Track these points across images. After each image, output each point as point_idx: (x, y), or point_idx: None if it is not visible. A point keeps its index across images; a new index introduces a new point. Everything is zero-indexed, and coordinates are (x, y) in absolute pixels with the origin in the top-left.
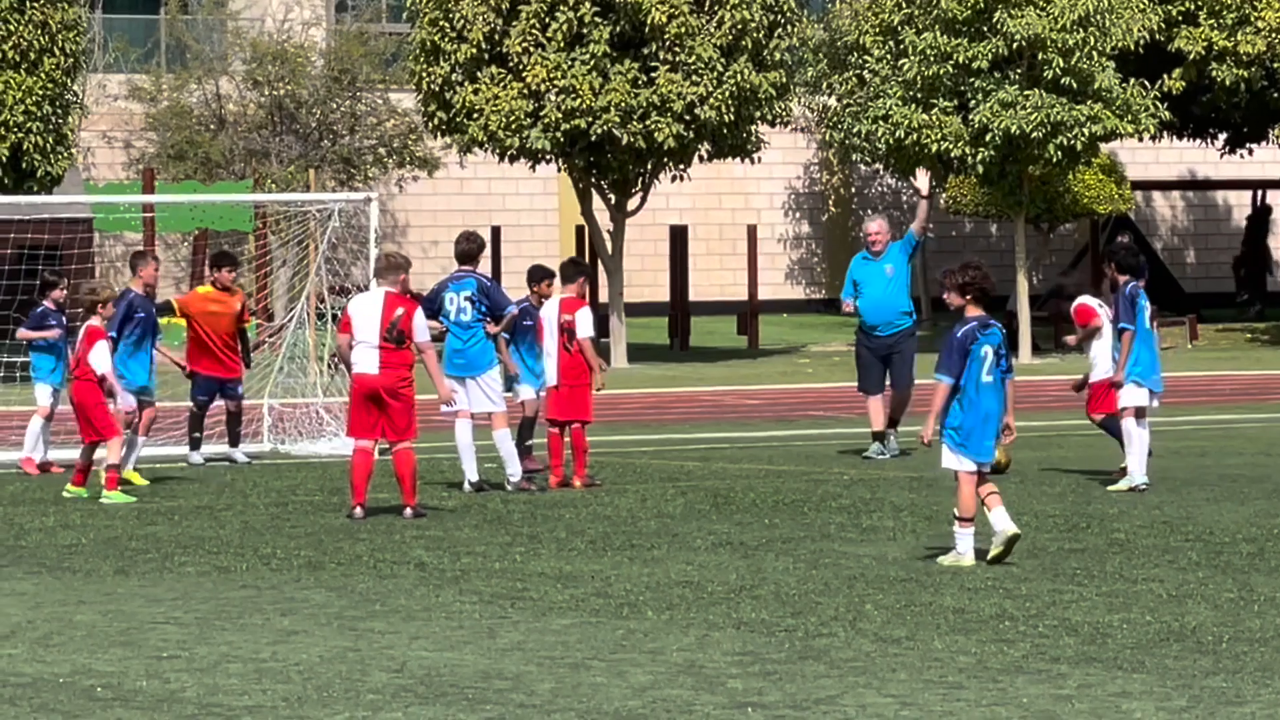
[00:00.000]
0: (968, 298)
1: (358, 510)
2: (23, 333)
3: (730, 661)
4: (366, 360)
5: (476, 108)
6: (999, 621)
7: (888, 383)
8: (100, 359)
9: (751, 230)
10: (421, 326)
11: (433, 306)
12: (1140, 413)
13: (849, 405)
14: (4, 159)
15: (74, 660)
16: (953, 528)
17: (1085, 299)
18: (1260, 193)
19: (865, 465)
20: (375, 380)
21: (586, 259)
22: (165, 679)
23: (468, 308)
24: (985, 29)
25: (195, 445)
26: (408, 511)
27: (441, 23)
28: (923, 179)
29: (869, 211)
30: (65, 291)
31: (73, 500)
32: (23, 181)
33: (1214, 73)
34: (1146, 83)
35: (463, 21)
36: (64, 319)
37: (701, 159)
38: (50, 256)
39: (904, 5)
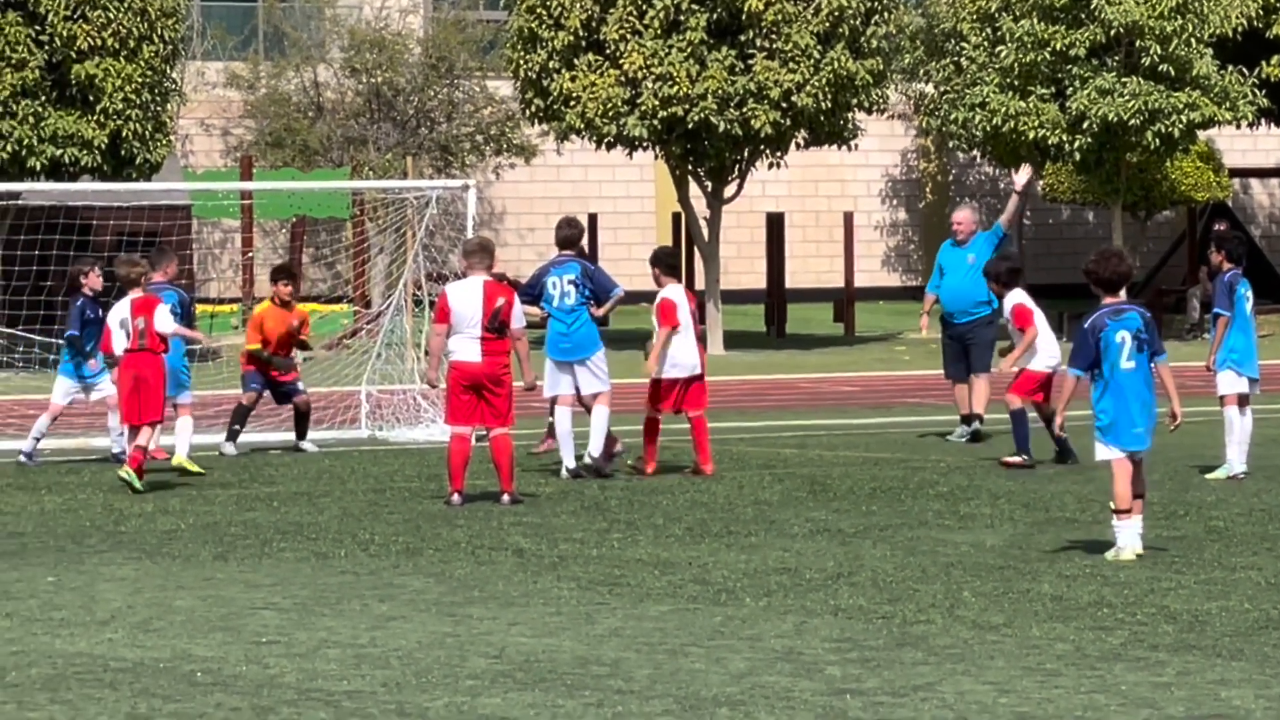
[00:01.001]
0: (1095, 288)
1: (456, 497)
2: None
3: (828, 648)
4: (468, 349)
5: (573, 95)
6: (1097, 609)
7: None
8: (166, 322)
9: (848, 217)
10: (519, 314)
11: (533, 292)
12: (1243, 400)
13: (946, 393)
14: (103, 146)
15: (174, 645)
16: (1112, 522)
17: (1022, 297)
18: None
19: (961, 452)
20: (478, 369)
21: (683, 247)
22: (265, 664)
23: (571, 291)
24: (1083, 16)
25: (232, 436)
26: (505, 498)
27: (539, 10)
28: (1023, 174)
29: (965, 199)
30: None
31: (171, 487)
32: (122, 168)
33: None
34: (1244, 69)
35: (560, 9)
36: None
37: (798, 146)
38: (149, 243)
39: None
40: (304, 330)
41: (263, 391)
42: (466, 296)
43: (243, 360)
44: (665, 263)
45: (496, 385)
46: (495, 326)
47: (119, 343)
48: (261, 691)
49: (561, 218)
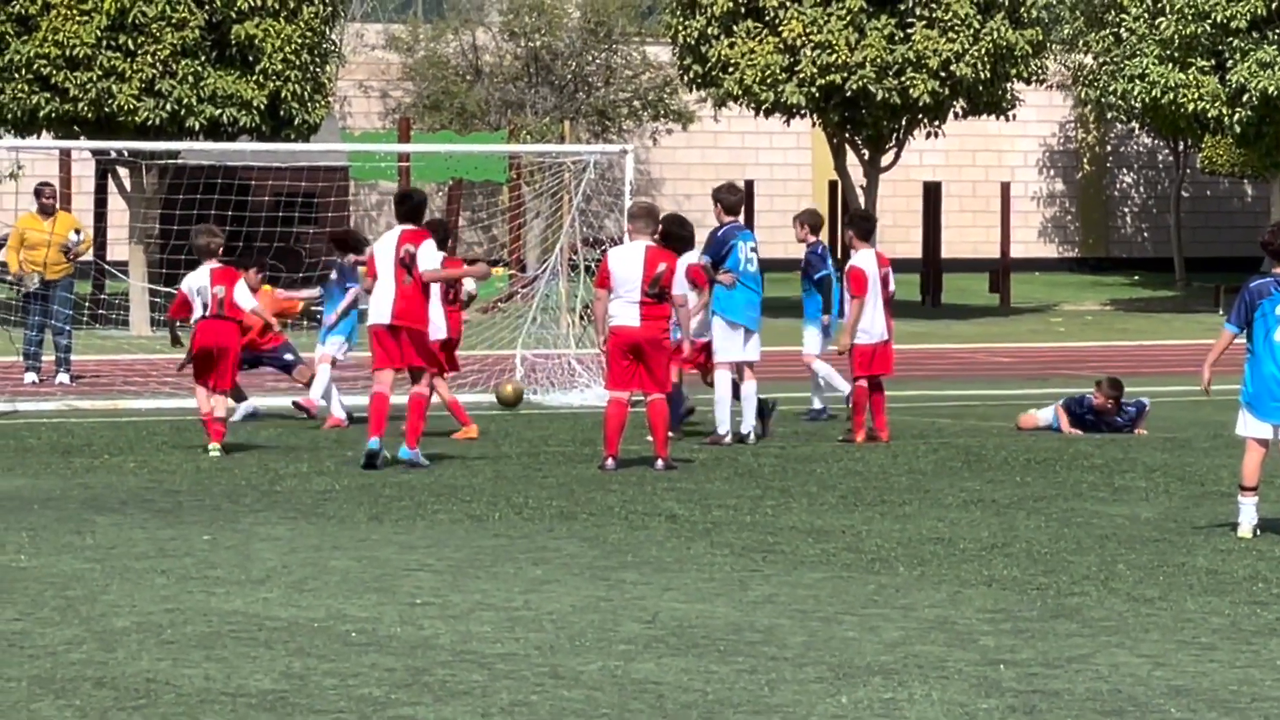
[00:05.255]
0: (1271, 259)
1: (610, 461)
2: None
3: (982, 619)
4: (627, 313)
5: (732, 61)
6: (1252, 583)
7: None
8: (246, 298)
9: (1005, 187)
10: (681, 280)
11: (719, 253)
12: None
13: (1100, 365)
14: (262, 107)
15: (328, 605)
16: (1237, 498)
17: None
18: None
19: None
20: (636, 333)
21: (839, 214)
22: (419, 625)
23: (754, 259)
24: None
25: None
26: (659, 463)
27: None
28: None
29: (1123, 170)
30: None
31: (326, 447)
32: (280, 129)
33: None
34: None
35: None
36: None
37: (956, 116)
38: (307, 204)
39: None
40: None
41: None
42: (628, 261)
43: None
44: (859, 226)
45: (655, 350)
46: (655, 292)
47: (195, 310)
48: (415, 653)
49: (729, 183)
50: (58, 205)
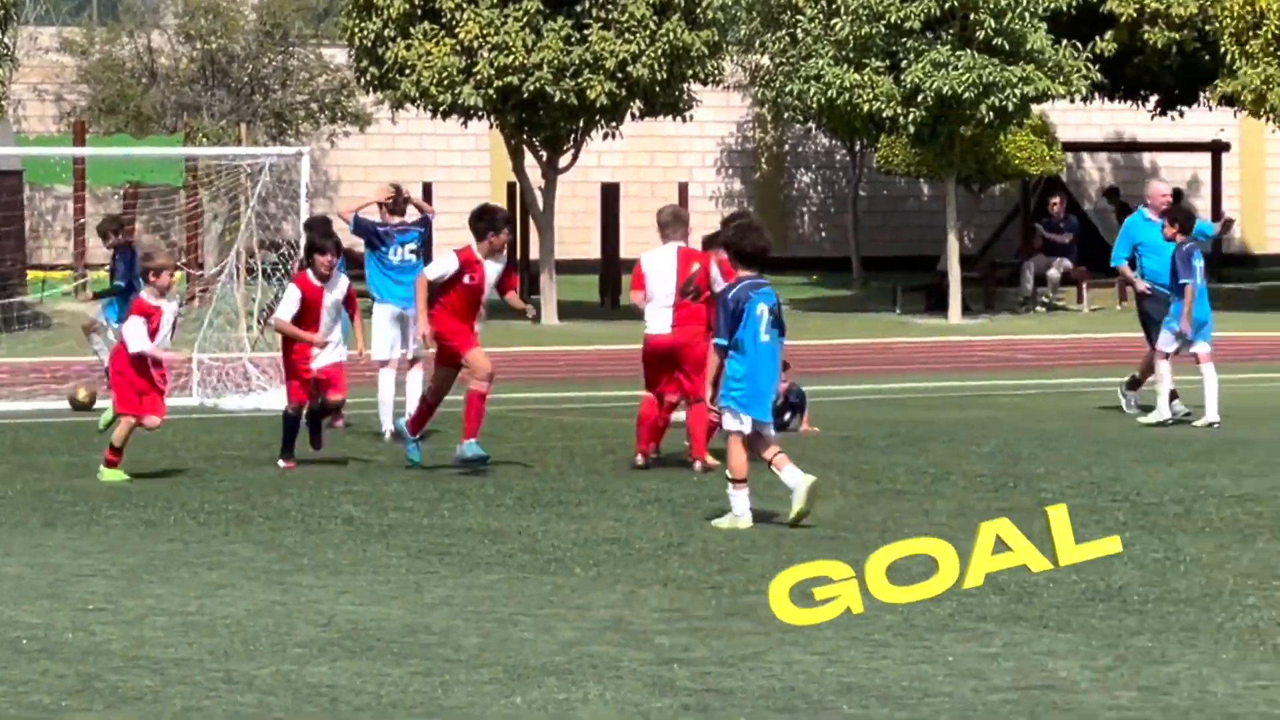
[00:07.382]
0: (734, 260)
1: (640, 458)
2: None
3: (657, 618)
4: (659, 320)
5: (409, 64)
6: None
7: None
8: (133, 339)
9: (683, 188)
10: (719, 278)
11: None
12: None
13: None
14: None
15: None
16: (727, 491)
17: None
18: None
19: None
20: (668, 339)
21: (518, 216)
22: (91, 631)
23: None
24: None
25: None
26: (698, 465)
27: None
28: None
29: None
30: None
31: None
32: None
33: (1146, 35)
34: (1079, 44)
35: None
36: None
37: (634, 117)
38: None
39: None
40: None
41: None
42: (660, 265)
43: None
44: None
45: (690, 355)
46: (690, 292)
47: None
48: (87, 659)
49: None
50: None
